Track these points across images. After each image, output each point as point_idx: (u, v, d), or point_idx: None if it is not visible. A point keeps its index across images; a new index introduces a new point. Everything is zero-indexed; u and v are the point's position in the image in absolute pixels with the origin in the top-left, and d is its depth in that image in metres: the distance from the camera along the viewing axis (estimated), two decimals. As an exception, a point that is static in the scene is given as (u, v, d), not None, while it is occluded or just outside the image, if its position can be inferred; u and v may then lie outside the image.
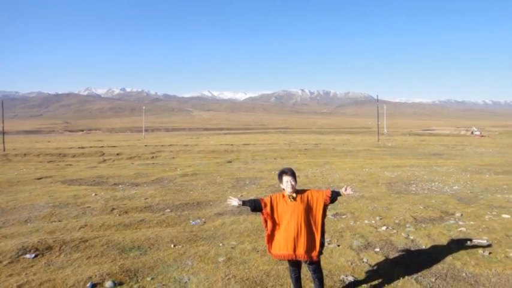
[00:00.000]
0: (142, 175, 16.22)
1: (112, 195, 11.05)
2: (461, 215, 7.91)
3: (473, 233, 6.51)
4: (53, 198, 10.65)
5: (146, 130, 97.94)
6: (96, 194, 11.25)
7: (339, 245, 5.98)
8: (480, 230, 6.73)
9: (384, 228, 6.96)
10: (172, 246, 6.11)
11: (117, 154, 29.95)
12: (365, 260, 5.32)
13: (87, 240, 6.32)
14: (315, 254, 3.83)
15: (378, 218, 7.73)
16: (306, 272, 4.38)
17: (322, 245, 3.89)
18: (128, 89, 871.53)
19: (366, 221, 7.50)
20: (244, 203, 3.97)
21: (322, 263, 4.32)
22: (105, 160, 26.08)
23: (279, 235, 3.89)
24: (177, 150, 32.62)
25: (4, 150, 33.43)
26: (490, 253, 5.46)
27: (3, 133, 39.00)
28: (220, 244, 6.19)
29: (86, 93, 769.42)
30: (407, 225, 7.14)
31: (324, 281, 4.14)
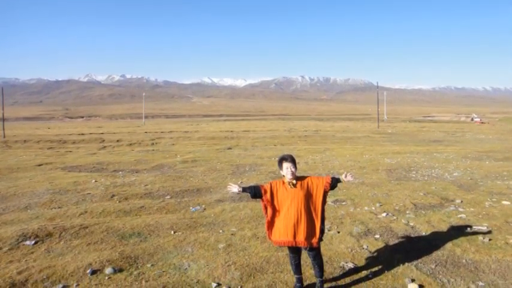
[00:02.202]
0: (142, 162, 16.20)
1: (112, 182, 11.04)
2: (461, 201, 7.90)
3: (473, 220, 6.51)
4: (53, 185, 10.66)
5: (146, 117, 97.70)
6: (96, 181, 11.25)
7: (339, 232, 5.98)
8: (480, 216, 6.73)
9: (384, 214, 6.96)
10: (172, 232, 6.11)
11: (117, 141, 29.93)
12: (365, 246, 5.32)
13: (87, 227, 6.32)
14: (315, 240, 3.82)
15: (378, 204, 7.73)
16: (306, 258, 4.38)
17: (322, 231, 3.88)
18: (128, 76, 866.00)
19: (366, 208, 7.50)
20: (244, 189, 3.95)
21: (322, 249, 4.31)
22: (105, 147, 26.07)
23: (279, 222, 3.87)
24: (177, 137, 32.58)
25: (4, 137, 33.41)
26: (490, 240, 5.46)
27: (3, 120, 38.89)
28: (220, 231, 6.19)
29: (86, 79, 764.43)
30: (407, 212, 7.14)
31: (324, 267, 4.14)
